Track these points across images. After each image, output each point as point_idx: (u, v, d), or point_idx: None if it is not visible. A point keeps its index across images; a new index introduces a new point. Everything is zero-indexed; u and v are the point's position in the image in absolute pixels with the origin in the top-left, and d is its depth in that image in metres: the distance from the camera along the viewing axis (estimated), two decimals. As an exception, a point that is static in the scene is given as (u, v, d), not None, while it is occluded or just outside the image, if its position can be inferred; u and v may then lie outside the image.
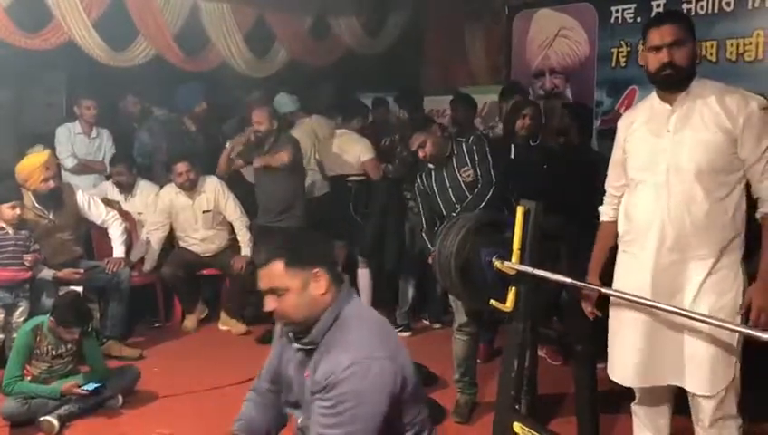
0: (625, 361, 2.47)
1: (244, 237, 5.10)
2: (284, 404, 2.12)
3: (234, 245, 5.18)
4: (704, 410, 2.35)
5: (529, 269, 2.73)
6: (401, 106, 5.96)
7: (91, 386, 3.54)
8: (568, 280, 2.62)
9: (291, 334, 2.00)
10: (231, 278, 5.11)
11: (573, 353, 3.21)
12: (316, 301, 1.91)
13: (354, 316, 1.94)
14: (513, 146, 4.11)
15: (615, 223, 2.59)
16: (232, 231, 5.20)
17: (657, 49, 2.31)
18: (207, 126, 5.73)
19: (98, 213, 4.73)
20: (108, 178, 5.39)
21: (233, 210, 5.11)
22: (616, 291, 2.49)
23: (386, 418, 1.82)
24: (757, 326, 2.20)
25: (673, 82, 2.34)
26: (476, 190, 3.58)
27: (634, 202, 2.48)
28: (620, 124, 2.60)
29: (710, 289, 2.31)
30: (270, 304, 1.90)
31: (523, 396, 2.99)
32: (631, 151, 2.49)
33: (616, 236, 2.58)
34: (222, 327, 5.11)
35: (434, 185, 3.69)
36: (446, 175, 3.66)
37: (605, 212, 2.67)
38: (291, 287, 1.87)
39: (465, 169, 3.62)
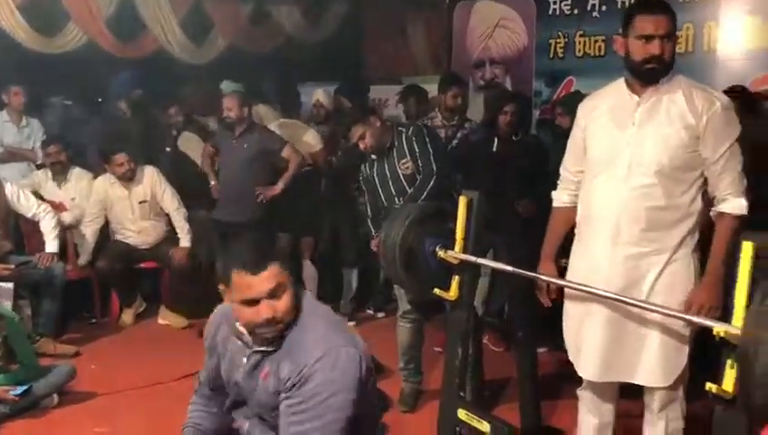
0: (590, 356, 2.45)
1: (182, 228, 4.99)
2: (226, 409, 2.07)
3: (171, 236, 5.06)
4: (656, 399, 2.42)
5: (471, 258, 2.75)
6: (344, 96, 5.92)
7: (20, 390, 3.40)
8: (509, 268, 2.66)
9: (253, 340, 1.92)
10: (170, 271, 4.99)
11: (515, 339, 3.27)
12: (297, 296, 1.90)
13: (309, 311, 1.92)
14: (496, 139, 4.24)
15: (570, 209, 2.57)
16: (169, 222, 5.07)
17: (649, 38, 2.21)
18: (145, 114, 5.58)
19: (28, 206, 4.54)
20: (39, 167, 5.19)
21: (170, 201, 4.99)
22: (569, 282, 2.47)
23: (356, 406, 1.81)
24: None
25: (654, 76, 2.29)
26: (416, 183, 3.56)
27: (592, 193, 2.44)
28: (582, 108, 2.53)
29: (663, 284, 2.33)
30: (267, 310, 1.82)
31: (468, 383, 3.03)
32: (592, 141, 2.45)
33: (570, 222, 2.57)
34: (161, 321, 5.00)
35: (375, 176, 3.68)
36: (386, 166, 3.65)
37: (558, 198, 2.64)
38: (287, 287, 1.84)
39: (405, 161, 3.60)
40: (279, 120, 5.28)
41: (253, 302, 1.82)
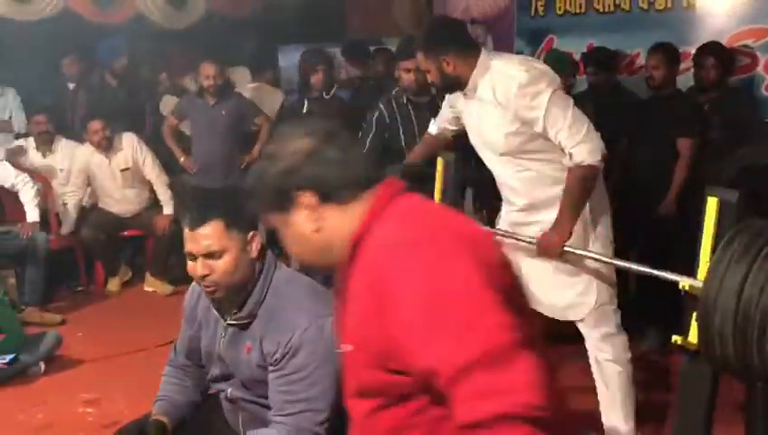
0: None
1: (164, 196, 4.98)
2: (210, 380, 2.07)
3: (156, 204, 5.05)
4: (583, 331, 2.57)
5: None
6: (348, 58, 5.81)
7: (7, 358, 3.44)
8: (488, 228, 2.69)
9: (219, 311, 1.93)
10: (154, 238, 5.00)
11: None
12: (250, 265, 1.86)
13: (286, 281, 1.91)
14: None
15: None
16: (152, 190, 5.06)
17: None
18: (131, 81, 5.52)
19: (5, 175, 4.51)
20: (17, 137, 5.14)
21: (151, 168, 4.97)
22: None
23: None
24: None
25: (446, 93, 2.62)
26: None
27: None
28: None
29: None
30: (203, 268, 1.79)
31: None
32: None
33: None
34: (147, 289, 5.02)
35: (399, 118, 3.62)
36: (413, 117, 3.59)
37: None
38: (228, 249, 1.80)
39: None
40: (250, 85, 5.26)
41: (191, 256, 1.82)
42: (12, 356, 3.48)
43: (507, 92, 2.35)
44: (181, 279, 4.90)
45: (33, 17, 5.21)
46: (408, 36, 4.10)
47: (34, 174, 4.75)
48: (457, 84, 2.50)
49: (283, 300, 1.86)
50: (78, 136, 5.12)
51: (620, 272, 2.62)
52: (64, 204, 4.90)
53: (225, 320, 1.93)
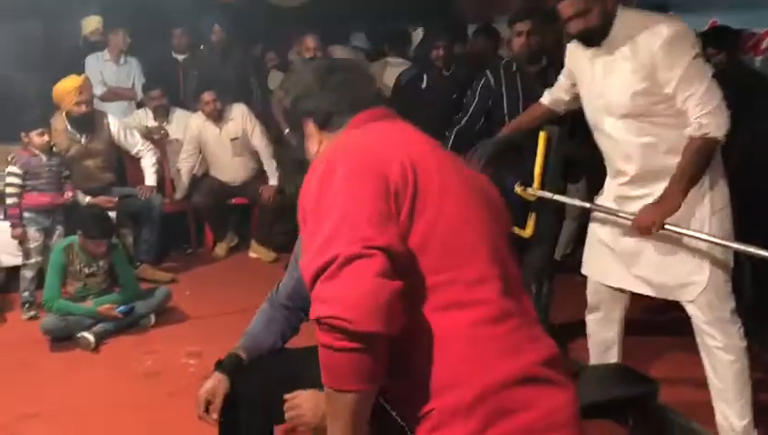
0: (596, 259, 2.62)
1: (270, 167, 5.15)
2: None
3: (263, 174, 5.23)
4: (692, 314, 2.42)
5: (548, 195, 2.72)
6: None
7: (124, 308, 3.71)
8: (587, 205, 2.61)
9: None
10: (260, 207, 5.18)
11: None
12: None
13: None
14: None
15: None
16: (259, 160, 5.22)
17: (568, 20, 2.34)
18: (236, 54, 5.71)
19: (133, 142, 4.82)
20: (139, 105, 5.46)
21: (260, 138, 5.14)
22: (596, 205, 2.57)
23: None
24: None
25: (592, 43, 2.39)
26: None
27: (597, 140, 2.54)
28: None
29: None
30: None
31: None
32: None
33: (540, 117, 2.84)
34: (252, 255, 5.22)
35: (505, 88, 3.49)
36: (521, 86, 3.46)
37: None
38: None
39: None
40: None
41: None
42: (129, 306, 3.74)
43: (648, 48, 2.21)
44: (284, 247, 5.09)
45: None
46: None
47: (153, 142, 5.03)
48: (604, 33, 2.33)
49: None
50: (189, 106, 5.38)
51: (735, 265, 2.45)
52: (178, 170, 5.17)
53: None
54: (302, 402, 1.84)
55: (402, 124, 1.47)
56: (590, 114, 2.51)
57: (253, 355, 2.11)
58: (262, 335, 2.15)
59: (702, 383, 2.49)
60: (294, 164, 4.98)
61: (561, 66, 2.73)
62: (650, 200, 2.30)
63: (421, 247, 1.24)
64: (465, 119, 3.63)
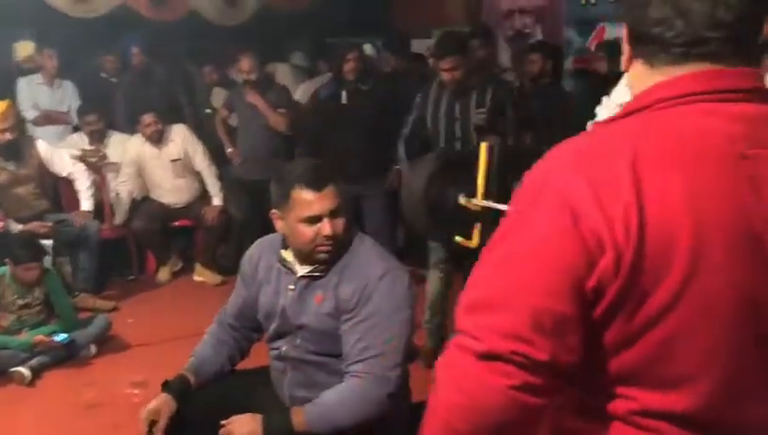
0: None
1: (214, 187, 5.06)
2: (267, 339, 2.10)
3: (206, 195, 5.13)
4: None
5: (492, 205, 2.73)
6: (390, 51, 5.79)
7: (62, 337, 3.56)
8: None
9: (295, 266, 1.97)
10: (204, 229, 5.08)
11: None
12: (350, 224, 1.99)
13: (359, 240, 2.00)
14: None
15: None
16: (202, 181, 5.13)
17: None
18: (157, 75, 5.61)
19: (62, 165, 4.65)
20: (75, 129, 5.30)
21: (201, 159, 5.04)
22: None
23: (411, 326, 1.91)
24: None
25: None
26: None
27: None
28: None
29: None
30: (330, 226, 1.87)
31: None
32: None
33: None
34: (197, 278, 5.10)
35: (442, 109, 3.57)
36: (457, 106, 3.54)
37: None
38: (344, 208, 1.93)
39: (482, 110, 3.50)
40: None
41: (315, 219, 1.88)
42: (66, 336, 3.59)
43: None
44: (230, 269, 4.99)
45: (90, 14, 5.35)
46: (445, 33, 3.98)
47: (88, 167, 4.88)
48: None
49: (357, 253, 1.95)
50: (123, 129, 5.24)
51: None
52: (117, 194, 5.03)
53: (296, 274, 1.97)
54: (237, 428, 1.82)
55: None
56: None
57: (201, 378, 2.09)
58: (210, 357, 2.14)
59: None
60: (235, 184, 4.92)
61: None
62: None
63: None
64: (409, 129, 3.68)
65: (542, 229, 0.84)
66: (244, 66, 4.79)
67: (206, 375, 2.10)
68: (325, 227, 1.87)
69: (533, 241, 0.84)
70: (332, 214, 1.88)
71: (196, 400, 2.03)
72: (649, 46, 0.90)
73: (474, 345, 0.84)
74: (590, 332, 0.84)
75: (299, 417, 1.83)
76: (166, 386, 2.01)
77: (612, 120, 0.91)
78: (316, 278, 1.94)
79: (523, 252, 0.85)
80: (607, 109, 2.54)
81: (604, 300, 0.83)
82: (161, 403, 1.95)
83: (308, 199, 1.87)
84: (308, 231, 1.88)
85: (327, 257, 1.92)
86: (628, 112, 0.90)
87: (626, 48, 0.95)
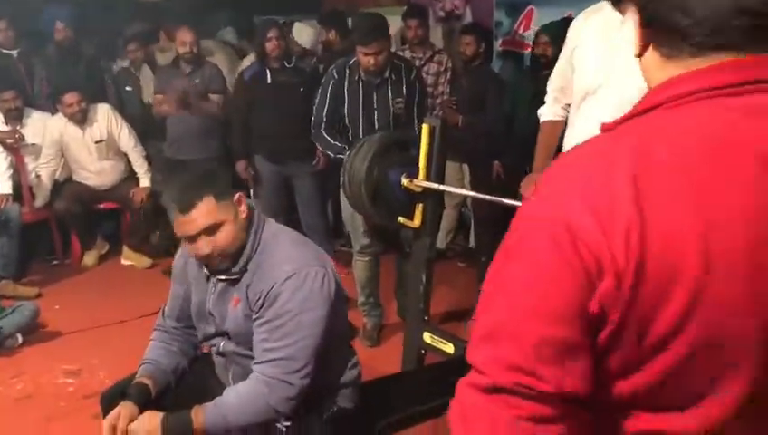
0: None
1: (141, 168, 4.90)
2: (203, 338, 2.08)
3: (133, 176, 4.97)
4: None
5: (434, 185, 2.78)
6: (327, 27, 5.61)
7: (-15, 327, 3.39)
8: (471, 193, 2.70)
9: (208, 269, 1.94)
10: (131, 211, 4.93)
11: (479, 265, 3.34)
12: (244, 225, 1.89)
13: (273, 234, 1.95)
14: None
15: (555, 123, 2.59)
16: (129, 162, 4.96)
17: None
18: (83, 52, 5.36)
19: (-26, 148, 4.39)
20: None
21: (127, 139, 4.87)
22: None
23: (326, 324, 1.85)
24: None
25: None
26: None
27: (580, 118, 2.32)
28: (572, 29, 2.40)
29: None
30: (206, 246, 1.81)
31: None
32: (581, 64, 2.32)
33: (557, 134, 2.57)
34: (125, 262, 4.96)
35: (361, 99, 3.44)
36: (375, 96, 3.43)
37: (545, 113, 2.63)
38: (226, 220, 1.83)
39: (400, 100, 3.43)
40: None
41: (191, 238, 1.83)
42: (-10, 327, 3.42)
43: None
44: (158, 252, 4.88)
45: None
46: (365, 15, 3.85)
47: (5, 148, 4.63)
48: None
49: (270, 252, 1.90)
50: (39, 107, 4.98)
51: None
52: (37, 176, 4.79)
53: (215, 277, 1.94)
54: (136, 426, 1.83)
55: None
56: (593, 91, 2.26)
57: (160, 381, 2.03)
58: (163, 359, 2.09)
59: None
60: (167, 163, 4.77)
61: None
62: None
63: None
64: (326, 122, 3.50)
65: (539, 256, 0.80)
66: (186, 38, 4.58)
67: (163, 376, 2.04)
68: (200, 246, 1.82)
69: (532, 269, 0.81)
70: (207, 232, 1.81)
71: (160, 405, 1.96)
72: (663, 34, 0.81)
73: (479, 380, 0.83)
74: (598, 356, 0.81)
75: (199, 416, 1.82)
76: (125, 396, 1.93)
77: (618, 123, 0.85)
78: (233, 282, 1.92)
79: (521, 280, 0.82)
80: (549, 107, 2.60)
81: (608, 324, 0.79)
82: (121, 409, 1.87)
83: (177, 221, 1.82)
84: (190, 248, 1.87)
85: (219, 268, 1.90)
86: (636, 113, 0.84)
87: (638, 32, 0.85)
